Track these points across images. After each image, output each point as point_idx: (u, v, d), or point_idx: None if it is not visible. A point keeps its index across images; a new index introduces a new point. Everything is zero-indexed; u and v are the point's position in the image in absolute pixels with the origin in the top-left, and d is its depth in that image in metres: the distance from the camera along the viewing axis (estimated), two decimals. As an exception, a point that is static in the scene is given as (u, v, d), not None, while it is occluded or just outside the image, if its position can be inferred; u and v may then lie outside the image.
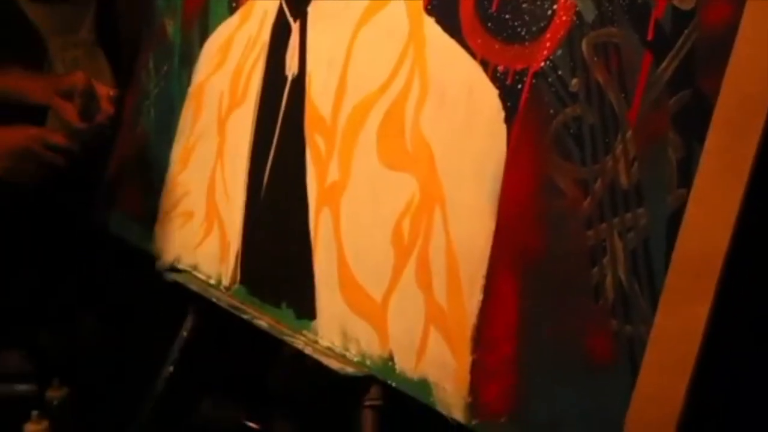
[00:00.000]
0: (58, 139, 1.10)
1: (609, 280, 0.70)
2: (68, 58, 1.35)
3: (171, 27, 1.29)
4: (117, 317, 1.34)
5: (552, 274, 0.74)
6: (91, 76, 1.21)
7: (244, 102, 1.12)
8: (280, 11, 1.08)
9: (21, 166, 1.10)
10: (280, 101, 1.06)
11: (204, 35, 1.22)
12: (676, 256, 0.64)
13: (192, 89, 1.22)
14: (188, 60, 1.24)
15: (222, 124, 1.15)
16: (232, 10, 1.18)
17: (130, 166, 1.33)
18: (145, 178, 1.29)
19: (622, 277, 0.69)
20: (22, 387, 1.17)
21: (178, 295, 1.14)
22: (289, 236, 1.01)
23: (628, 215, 0.69)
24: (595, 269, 0.71)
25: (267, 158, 1.07)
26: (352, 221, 0.94)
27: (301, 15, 1.05)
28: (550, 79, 0.76)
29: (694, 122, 0.66)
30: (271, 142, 1.06)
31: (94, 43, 1.38)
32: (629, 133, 0.70)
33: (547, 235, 0.75)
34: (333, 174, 0.97)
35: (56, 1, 1.33)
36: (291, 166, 1.03)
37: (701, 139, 0.65)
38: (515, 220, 0.78)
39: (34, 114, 1.20)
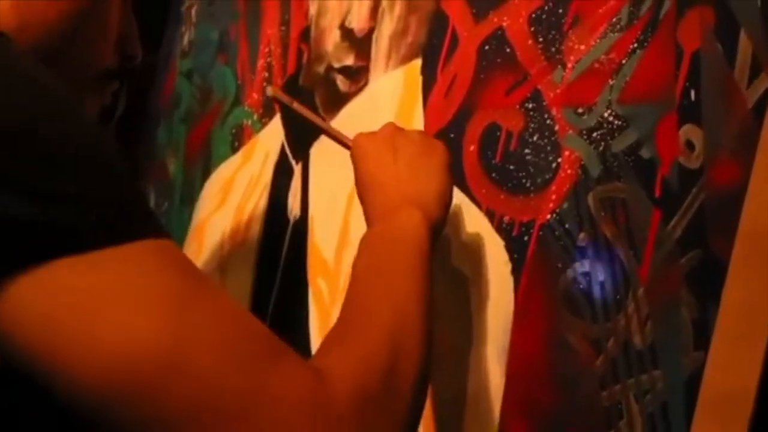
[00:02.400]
0: None
1: (627, 444, 0.67)
2: None
3: (173, 164, 1.29)
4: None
5: (566, 435, 0.71)
6: None
7: (245, 243, 1.11)
8: (282, 152, 1.09)
9: None
10: (282, 243, 1.05)
11: (206, 173, 1.22)
12: (696, 425, 0.62)
13: (193, 227, 1.22)
14: (189, 198, 1.24)
15: (223, 264, 1.14)
16: (234, 150, 1.18)
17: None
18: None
19: (641, 441, 0.66)
20: None
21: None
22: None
23: (644, 377, 0.67)
24: (612, 432, 0.68)
25: (269, 301, 1.05)
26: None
27: (303, 157, 1.05)
28: (557, 233, 0.75)
29: (707, 282, 0.64)
30: (273, 284, 1.05)
31: None
32: (641, 291, 0.68)
33: (560, 393, 0.72)
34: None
35: None
36: (293, 310, 1.01)
37: (716, 300, 0.63)
38: (526, 377, 0.75)
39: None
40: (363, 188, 0.75)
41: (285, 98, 0.88)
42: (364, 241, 0.70)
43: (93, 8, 0.65)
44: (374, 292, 0.63)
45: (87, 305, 0.47)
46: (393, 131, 0.78)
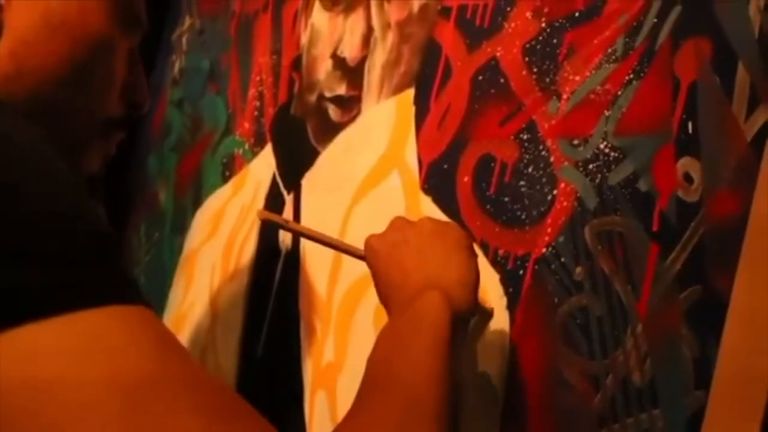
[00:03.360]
0: None
1: (627, 485, 0.65)
2: None
3: (163, 194, 1.28)
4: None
5: (564, 475, 0.69)
6: None
7: (236, 275, 1.09)
8: (274, 182, 1.07)
9: None
10: (274, 275, 1.03)
11: (197, 203, 1.21)
12: (699, 467, 0.60)
13: (183, 258, 1.20)
14: (180, 228, 1.22)
15: (214, 295, 1.12)
16: (225, 179, 1.17)
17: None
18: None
19: (641, 483, 0.64)
20: None
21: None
22: (282, 419, 0.96)
23: (644, 416, 0.65)
24: (611, 472, 0.66)
25: (260, 334, 1.03)
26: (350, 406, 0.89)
27: (294, 187, 1.04)
28: (553, 266, 0.74)
29: (707, 319, 0.63)
30: (265, 317, 1.03)
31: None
32: (639, 327, 0.67)
33: (558, 431, 0.71)
34: (328, 354, 0.93)
35: None
36: (285, 343, 0.99)
37: (717, 338, 0.62)
38: (522, 414, 0.73)
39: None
40: (381, 290, 0.71)
41: (278, 219, 0.86)
42: (380, 335, 0.66)
43: (95, 57, 0.63)
44: (385, 383, 0.60)
45: (43, 377, 0.44)
46: (402, 225, 0.74)
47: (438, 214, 0.85)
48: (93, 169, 0.69)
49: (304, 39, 1.07)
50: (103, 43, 0.64)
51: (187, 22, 1.33)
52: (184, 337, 1.16)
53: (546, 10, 0.79)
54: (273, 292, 1.03)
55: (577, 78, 0.75)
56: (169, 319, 1.19)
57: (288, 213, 1.03)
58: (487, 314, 0.76)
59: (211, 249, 1.14)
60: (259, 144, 1.12)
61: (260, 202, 1.08)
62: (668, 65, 0.68)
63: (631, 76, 0.71)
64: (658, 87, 0.69)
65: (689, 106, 0.66)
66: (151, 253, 1.27)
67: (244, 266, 1.08)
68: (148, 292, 1.27)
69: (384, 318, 0.87)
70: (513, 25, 0.82)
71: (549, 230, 0.75)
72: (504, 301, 0.77)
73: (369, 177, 0.94)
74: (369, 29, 0.97)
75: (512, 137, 0.79)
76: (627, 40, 0.72)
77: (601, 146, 0.72)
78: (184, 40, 1.33)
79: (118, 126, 0.69)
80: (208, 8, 1.30)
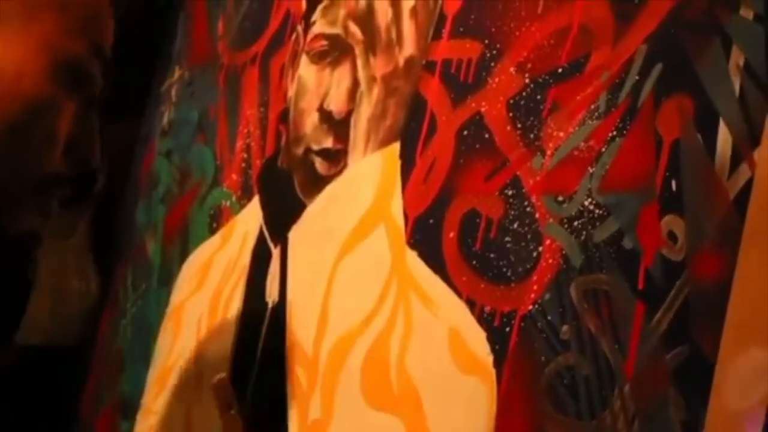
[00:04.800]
0: None
1: None
2: (56, 265, 1.33)
3: (151, 245, 1.27)
4: None
5: None
6: (75, 281, 1.18)
7: (223, 328, 1.08)
8: (261, 235, 1.07)
9: None
10: (260, 328, 1.02)
11: (184, 254, 1.20)
12: None
13: (170, 310, 1.19)
14: (167, 279, 1.21)
15: (200, 348, 1.11)
16: (212, 231, 1.16)
17: (105, 386, 1.27)
18: (120, 400, 1.23)
19: None
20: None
21: None
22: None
23: (632, 480, 0.64)
24: None
25: (246, 389, 1.02)
26: (336, 465, 0.88)
27: (281, 240, 1.03)
28: (539, 324, 0.73)
29: (695, 380, 0.62)
30: (251, 371, 1.02)
31: (85, 248, 1.36)
32: (627, 388, 0.66)
33: (546, 494, 0.69)
34: (315, 411, 0.92)
35: None
36: (271, 399, 0.98)
37: (705, 399, 0.61)
38: (510, 476, 0.72)
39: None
40: None
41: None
42: None
43: (33, 119, 0.62)
44: None
45: None
46: None
47: (424, 269, 0.84)
48: (27, 226, 0.67)
49: (291, 92, 1.07)
50: (43, 104, 0.63)
51: (177, 72, 1.34)
52: (170, 390, 1.14)
53: (529, 65, 0.80)
54: (259, 346, 1.01)
55: (561, 134, 0.75)
56: (155, 371, 1.18)
57: (275, 266, 1.03)
58: None
59: (197, 301, 1.13)
60: (247, 196, 1.11)
61: (247, 255, 1.08)
62: (651, 123, 0.68)
63: (614, 133, 0.71)
64: (641, 144, 0.69)
65: (672, 163, 0.66)
66: (137, 305, 1.26)
67: (231, 319, 1.07)
68: (134, 344, 1.26)
69: (373, 375, 0.87)
70: (497, 80, 0.82)
71: (535, 287, 0.74)
72: (491, 358, 0.76)
73: (355, 231, 0.93)
74: (355, 83, 0.98)
75: (497, 193, 0.79)
76: (610, 96, 0.72)
77: (586, 203, 0.72)
78: (173, 91, 1.33)
79: (63, 183, 0.67)
80: (197, 59, 1.30)
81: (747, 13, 0.64)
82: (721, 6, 0.65)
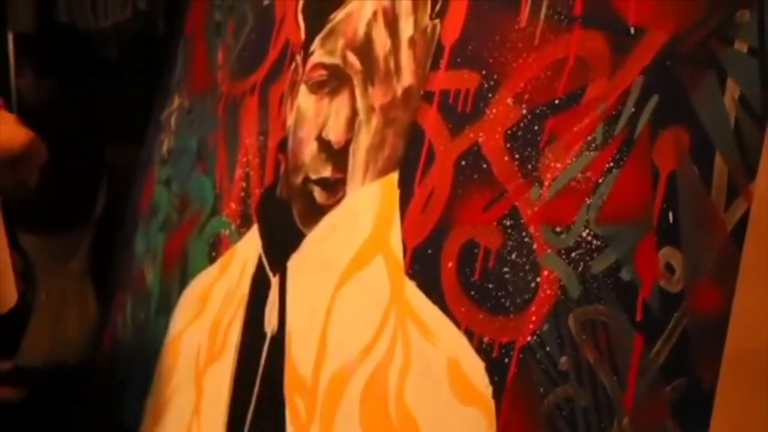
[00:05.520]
0: None
1: None
2: (55, 289, 1.33)
3: (150, 274, 1.27)
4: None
5: None
6: (74, 305, 1.18)
7: (222, 356, 1.08)
8: (260, 264, 1.07)
9: None
10: (259, 358, 1.02)
11: (183, 284, 1.20)
12: None
13: (168, 339, 1.19)
14: (166, 308, 1.21)
15: (199, 378, 1.11)
16: (211, 260, 1.16)
17: (103, 416, 1.27)
18: (117, 429, 1.23)
19: None
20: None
21: None
22: None
23: None
24: None
25: (245, 418, 1.01)
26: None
27: (280, 269, 1.03)
28: (538, 355, 0.73)
29: (694, 413, 0.62)
30: (250, 401, 1.02)
31: (84, 274, 1.36)
32: (626, 420, 0.66)
33: None
34: (314, 441, 0.92)
35: (50, 233, 1.32)
36: (270, 429, 0.97)
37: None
38: None
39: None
40: None
41: None
42: None
43: None
44: None
45: None
46: None
47: (423, 300, 0.84)
48: None
49: (290, 121, 1.08)
50: None
51: (176, 101, 1.34)
52: (169, 419, 1.14)
53: (527, 96, 0.80)
54: (258, 375, 1.01)
55: (559, 165, 0.75)
56: (153, 400, 1.18)
57: (274, 295, 1.03)
58: None
59: (196, 331, 1.13)
60: (246, 225, 1.11)
61: (246, 284, 1.08)
62: (647, 154, 0.69)
63: (611, 164, 0.71)
64: (637, 176, 0.69)
65: (669, 195, 0.66)
66: (136, 333, 1.26)
67: (230, 349, 1.06)
68: (134, 373, 1.26)
69: (372, 405, 0.86)
70: (494, 110, 0.82)
71: (533, 318, 0.74)
72: (490, 390, 0.76)
73: (354, 260, 0.93)
74: (354, 112, 0.98)
75: (495, 223, 0.79)
76: (606, 128, 0.72)
77: (584, 234, 0.72)
78: (173, 119, 1.33)
79: None
80: (197, 88, 1.31)
81: (741, 47, 0.64)
82: (715, 39, 0.66)
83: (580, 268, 0.71)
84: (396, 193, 0.91)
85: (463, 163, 0.84)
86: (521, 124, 0.80)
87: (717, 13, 0.66)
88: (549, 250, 0.74)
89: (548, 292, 0.73)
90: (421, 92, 0.91)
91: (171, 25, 1.43)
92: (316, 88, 1.04)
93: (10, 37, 1.61)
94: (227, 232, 1.14)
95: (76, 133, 1.39)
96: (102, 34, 1.54)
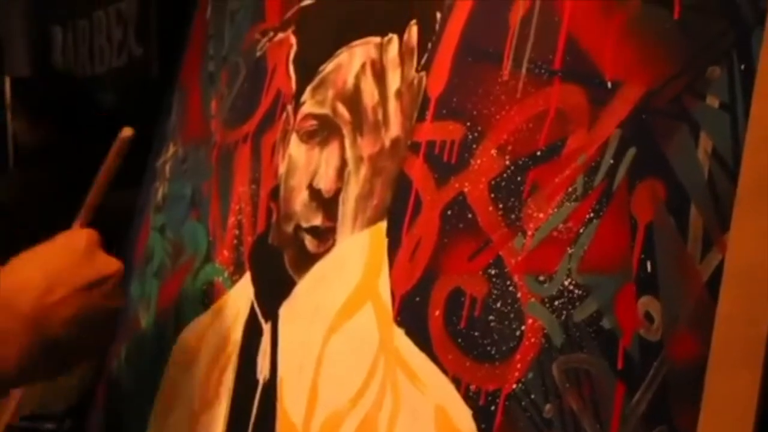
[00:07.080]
0: None
1: None
2: None
3: (144, 319, 1.28)
4: None
5: None
6: None
7: (215, 403, 1.09)
8: (252, 311, 1.08)
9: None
10: (252, 405, 1.03)
11: (177, 330, 1.21)
12: None
13: (163, 386, 1.19)
14: (159, 354, 1.22)
15: (193, 425, 1.11)
16: (205, 307, 1.18)
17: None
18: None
19: None
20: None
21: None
22: None
23: None
24: None
25: (238, 466, 1.02)
26: None
27: (272, 316, 1.04)
28: (523, 403, 0.74)
29: (674, 461, 0.63)
30: (243, 448, 1.02)
31: None
32: (609, 468, 0.67)
33: None
34: (306, 489, 0.92)
35: None
36: (262, 476, 0.98)
37: (685, 480, 0.62)
38: None
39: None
40: None
41: None
42: None
43: None
44: None
45: None
46: None
47: (411, 347, 0.86)
48: None
49: (281, 169, 1.10)
50: None
51: (171, 149, 1.36)
52: (163, 467, 1.14)
53: (510, 147, 0.82)
54: (251, 423, 1.02)
55: (541, 215, 0.77)
56: (148, 448, 1.18)
57: (266, 342, 1.04)
58: None
59: (190, 378, 1.14)
60: (239, 272, 1.13)
61: (239, 332, 1.09)
62: (626, 205, 0.70)
63: (592, 214, 0.73)
64: (616, 226, 0.71)
65: (647, 245, 0.68)
66: (131, 379, 1.26)
67: (223, 396, 1.07)
68: (128, 419, 1.26)
69: (360, 452, 0.87)
70: (479, 161, 0.84)
71: (519, 366, 0.75)
72: (477, 438, 0.77)
73: (344, 308, 0.94)
74: (343, 162, 1.00)
75: (481, 272, 0.81)
76: (586, 179, 0.74)
77: (566, 283, 0.73)
78: (167, 167, 1.35)
79: None
80: (191, 137, 1.33)
81: (713, 102, 0.66)
82: (688, 94, 0.68)
83: (563, 317, 0.73)
84: (384, 242, 0.92)
85: (449, 212, 0.86)
86: (504, 175, 0.82)
87: (689, 69, 0.68)
88: (533, 299, 0.76)
89: (533, 340, 0.75)
90: (408, 143, 0.93)
91: (166, 71, 1.45)
92: (307, 137, 1.07)
93: (8, 80, 1.64)
94: (220, 279, 1.16)
95: (73, 175, 1.41)
96: (97, 79, 1.57)
